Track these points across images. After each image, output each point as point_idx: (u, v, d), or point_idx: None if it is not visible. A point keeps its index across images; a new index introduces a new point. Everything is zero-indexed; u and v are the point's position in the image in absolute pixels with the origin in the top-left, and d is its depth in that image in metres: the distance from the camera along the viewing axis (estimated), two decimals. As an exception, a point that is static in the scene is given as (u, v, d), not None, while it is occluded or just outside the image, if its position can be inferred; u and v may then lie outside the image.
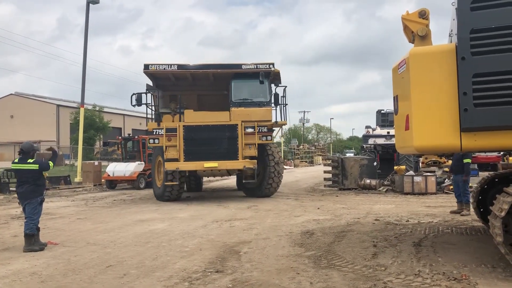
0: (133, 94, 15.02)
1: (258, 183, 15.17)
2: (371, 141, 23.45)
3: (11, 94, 64.42)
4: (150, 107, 15.39)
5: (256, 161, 14.42)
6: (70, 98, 63.29)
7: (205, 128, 14.35)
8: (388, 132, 22.45)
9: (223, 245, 7.38)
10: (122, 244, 7.67)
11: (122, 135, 29.93)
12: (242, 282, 5.17)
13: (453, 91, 5.49)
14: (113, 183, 21.04)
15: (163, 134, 14.26)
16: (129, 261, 6.39)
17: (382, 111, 26.98)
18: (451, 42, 6.21)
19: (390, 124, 25.08)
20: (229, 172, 15.75)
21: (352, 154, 31.31)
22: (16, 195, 17.46)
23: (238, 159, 14.29)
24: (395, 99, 6.51)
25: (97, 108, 51.49)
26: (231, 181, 23.54)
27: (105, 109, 55.21)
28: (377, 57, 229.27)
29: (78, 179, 23.21)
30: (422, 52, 5.87)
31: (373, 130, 24.81)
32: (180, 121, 14.66)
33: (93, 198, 16.67)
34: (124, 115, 67.44)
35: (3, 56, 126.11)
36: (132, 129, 61.96)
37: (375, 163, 18.77)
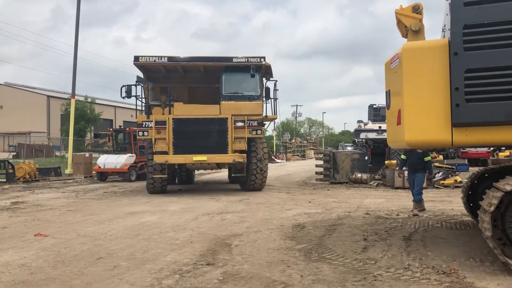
0: (123, 86, 14.89)
1: (246, 178, 15.18)
2: (362, 135, 23.53)
3: (1, 84, 63.65)
4: (140, 99, 15.25)
5: (245, 155, 14.41)
6: (62, 89, 62.67)
7: (195, 121, 14.28)
8: (380, 127, 22.54)
9: (214, 238, 7.38)
10: (113, 236, 7.63)
11: (113, 127, 29.74)
12: (233, 275, 5.18)
13: (445, 86, 5.51)
14: (104, 175, 20.94)
15: (152, 127, 14.17)
16: (120, 253, 6.37)
17: (374, 106, 27.06)
18: (444, 37, 6.22)
19: (382, 119, 25.19)
20: (218, 166, 15.70)
21: (351, 149, 31.40)
22: (5, 187, 17.30)
23: (227, 153, 14.25)
24: (388, 93, 6.52)
25: (89, 100, 51.08)
26: (223, 174, 23.53)
27: (97, 101, 54.78)
28: (370, 52, 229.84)
29: (68, 170, 23.08)
30: (415, 47, 5.88)
31: (365, 124, 24.89)
32: (169, 113, 14.53)
33: (84, 190, 16.58)
34: (115, 107, 67.01)
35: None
36: (124, 121, 61.57)
37: (366, 158, 18.84)
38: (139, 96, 15.11)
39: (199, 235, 7.69)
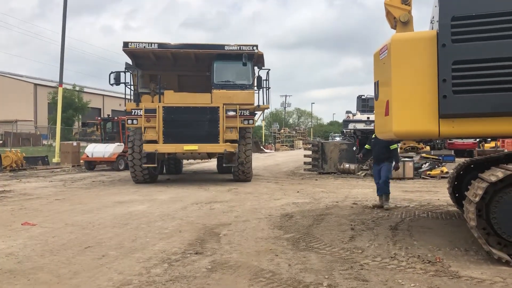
0: (112, 72, 14.59)
1: (236, 168, 15.01)
2: (351, 126, 23.64)
3: (-14, 72, 62.56)
4: (129, 86, 14.96)
5: (237, 145, 14.28)
6: (50, 77, 61.93)
7: (186, 109, 14.10)
8: (368, 118, 22.65)
9: (203, 227, 7.40)
10: (101, 225, 7.62)
11: (102, 116, 29.48)
12: (221, 264, 5.21)
13: (433, 77, 5.55)
14: (92, 164, 20.81)
15: (141, 115, 13.95)
16: (108, 242, 6.36)
17: (362, 97, 27.19)
18: (432, 29, 6.26)
19: (370, 110, 25.30)
20: (209, 155, 15.55)
21: (339, 139, 31.60)
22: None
23: (219, 142, 14.12)
24: (376, 84, 6.55)
25: (77, 88, 50.50)
26: (212, 164, 23.51)
27: (85, 89, 54.19)
28: (359, 43, 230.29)
29: (56, 159, 22.90)
30: (403, 38, 5.91)
31: (353, 115, 25.00)
32: (159, 102, 14.33)
33: (72, 179, 16.47)
34: (103, 95, 66.33)
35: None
36: (112, 110, 60.99)
37: (354, 148, 18.95)
38: (128, 83, 14.81)
39: (188, 224, 7.71)
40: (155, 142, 13.99)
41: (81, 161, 21.81)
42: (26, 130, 45.34)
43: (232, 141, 14.29)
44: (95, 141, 28.55)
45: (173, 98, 14.33)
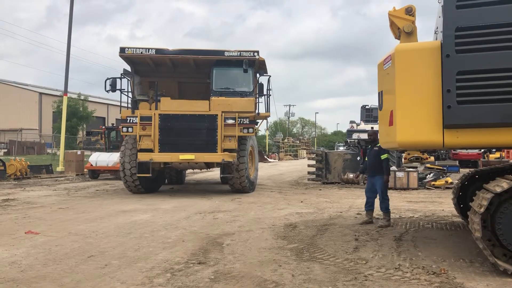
0: (108, 78, 14.17)
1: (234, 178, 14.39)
2: (355, 136, 23.62)
3: (-8, 80, 63.06)
4: (126, 93, 14.53)
5: (235, 154, 13.79)
6: (55, 86, 62.36)
7: (183, 117, 13.62)
8: (372, 127, 22.62)
9: (206, 237, 7.37)
10: (104, 234, 7.61)
11: (106, 125, 29.61)
12: (225, 274, 5.18)
13: (437, 88, 5.55)
14: (95, 173, 20.84)
15: (137, 123, 13.52)
16: (111, 251, 6.35)
17: (366, 107, 27.22)
18: (436, 39, 6.27)
19: (374, 120, 25.32)
20: (207, 165, 14.84)
21: (343, 149, 31.54)
22: (-4, 184, 17.07)
23: (216, 152, 13.57)
24: (380, 94, 6.56)
25: (82, 97, 50.77)
26: (215, 173, 23.49)
27: (90, 98, 54.44)
28: (362, 53, 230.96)
29: (60, 168, 22.95)
30: (407, 49, 5.92)
31: (357, 125, 25.01)
32: (156, 109, 13.87)
33: (75, 187, 16.49)
34: (108, 104, 66.66)
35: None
36: (116, 119, 61.18)
37: (358, 158, 18.91)
38: (124, 90, 14.43)
39: (191, 234, 7.69)
40: (150, 151, 13.52)
41: (85, 170, 21.84)
42: (30, 138, 45.57)
43: (231, 150, 13.76)
44: (99, 150, 28.59)
45: (170, 106, 13.82)
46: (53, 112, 52.35)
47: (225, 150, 13.68)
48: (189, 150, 13.45)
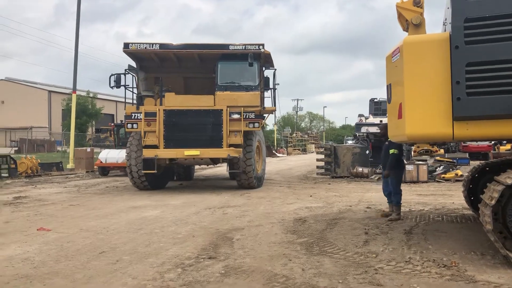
0: (112, 74, 14.19)
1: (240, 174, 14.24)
2: (363, 129, 23.49)
3: (2, 79, 63.67)
4: (131, 89, 14.49)
5: (241, 149, 13.63)
6: (64, 84, 62.87)
7: (187, 112, 13.50)
8: (381, 121, 22.46)
9: (216, 232, 7.41)
10: (115, 230, 7.67)
11: (115, 122, 29.76)
12: (235, 269, 5.21)
13: (446, 80, 5.51)
14: (105, 170, 20.97)
15: (141, 119, 13.48)
16: (122, 247, 6.40)
17: (375, 100, 27.02)
18: (445, 31, 6.22)
19: (383, 113, 25.12)
20: (213, 161, 14.75)
21: (352, 142, 31.41)
22: (8, 182, 17.34)
23: (222, 147, 13.45)
24: (388, 87, 6.52)
25: (91, 95, 51.09)
26: (224, 168, 23.52)
27: (98, 96, 54.78)
28: (370, 46, 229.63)
29: (70, 165, 23.14)
30: (416, 41, 5.87)
31: (366, 118, 24.84)
32: (161, 105, 13.80)
33: (86, 184, 16.62)
34: (116, 101, 66.97)
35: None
36: (125, 115, 61.50)
37: (367, 152, 18.84)
38: (128, 86, 14.38)
39: (201, 229, 7.72)
40: (155, 147, 13.48)
41: (95, 167, 22.00)
42: (40, 136, 45.97)
43: (237, 146, 13.62)
44: (109, 147, 28.80)
45: (174, 101, 13.68)
46: (62, 110, 52.82)
47: (230, 146, 13.55)
48: (194, 145, 13.36)
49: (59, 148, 39.89)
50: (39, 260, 5.74)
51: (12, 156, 20.92)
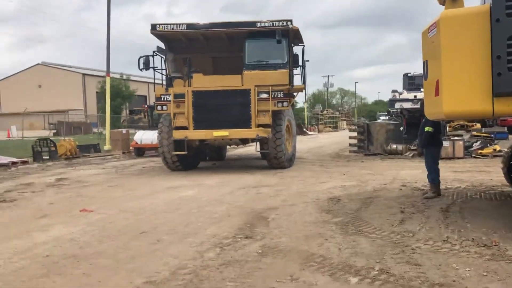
0: (141, 57, 14.29)
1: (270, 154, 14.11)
2: (397, 105, 23.03)
3: (38, 64, 65.46)
4: (160, 71, 14.58)
5: (270, 129, 13.49)
6: (96, 67, 64.20)
7: (215, 93, 13.47)
8: (415, 96, 21.99)
9: (251, 211, 7.52)
10: (153, 210, 7.90)
11: (148, 103, 30.29)
12: (272, 248, 5.30)
13: (486, 55, 5.33)
14: (141, 151, 21.44)
15: (170, 100, 13.55)
16: (161, 227, 6.60)
17: (409, 74, 26.36)
18: (484, 3, 5.98)
19: (417, 88, 24.54)
20: (242, 141, 14.78)
21: (386, 118, 30.83)
22: (49, 164, 17.98)
23: (250, 127, 13.38)
24: (425, 64, 6.37)
25: (124, 77, 51.96)
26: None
27: (131, 77, 55.64)
28: (403, 19, 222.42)
29: (107, 147, 23.78)
30: (453, 15, 5.69)
31: (400, 94, 24.32)
32: (189, 86, 13.72)
33: (123, 165, 17.08)
34: (148, 83, 67.63)
35: (30, 27, 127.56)
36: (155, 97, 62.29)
37: (401, 128, 18.54)
38: (157, 67, 14.47)
39: (236, 208, 7.86)
40: (185, 128, 13.57)
41: (131, 148, 22.53)
42: (77, 119, 47.26)
43: (265, 126, 13.47)
44: (142, 128, 29.35)
45: (202, 82, 13.62)
46: (96, 92, 53.95)
47: (259, 126, 13.44)
48: (223, 126, 13.36)
49: (95, 130, 40.96)
50: (84, 240, 5.99)
51: (52, 139, 21.64)
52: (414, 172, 12.32)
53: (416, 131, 19.47)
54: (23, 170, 15.69)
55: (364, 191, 9.36)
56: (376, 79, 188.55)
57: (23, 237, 6.22)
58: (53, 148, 19.73)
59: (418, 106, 20.71)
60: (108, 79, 24.98)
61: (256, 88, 13.41)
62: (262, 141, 13.83)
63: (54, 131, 39.92)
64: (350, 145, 19.59)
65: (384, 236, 5.68)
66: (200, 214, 7.46)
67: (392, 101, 23.83)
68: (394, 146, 17.44)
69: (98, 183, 11.97)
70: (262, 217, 7.09)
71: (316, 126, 58.64)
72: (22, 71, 65.93)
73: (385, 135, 18.06)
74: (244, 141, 14.86)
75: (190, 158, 14.70)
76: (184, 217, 7.25)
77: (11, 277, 4.62)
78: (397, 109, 23.02)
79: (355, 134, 19.15)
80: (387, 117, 30.13)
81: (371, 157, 17.19)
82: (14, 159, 17.95)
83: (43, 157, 19.01)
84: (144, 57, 14.37)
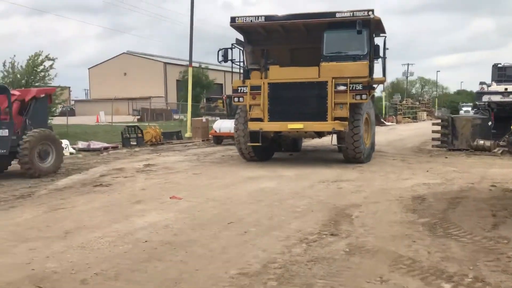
0: (220, 49, 14.65)
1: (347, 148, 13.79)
2: (485, 98, 21.71)
3: (124, 53, 69.31)
4: (237, 63, 14.82)
5: (347, 123, 13.18)
6: (176, 56, 66.81)
7: (292, 85, 13.45)
8: (506, 89, 20.61)
9: (334, 207, 7.57)
10: (238, 201, 8.21)
11: (224, 92, 31.06)
12: (359, 247, 5.35)
13: None
14: (219, 139, 22.19)
15: (247, 92, 13.72)
16: (247, 218, 6.87)
17: (498, 65, 24.74)
18: None
19: (508, 79, 22.99)
20: (318, 134, 14.67)
21: (469, 109, 29.16)
22: (136, 150, 19.11)
23: (326, 120, 13.14)
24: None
25: (203, 66, 53.61)
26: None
27: (209, 67, 57.23)
28: (490, 2, 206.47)
29: (188, 134, 24.91)
30: None
31: (488, 86, 22.89)
32: (265, 78, 13.72)
33: (203, 153, 17.78)
34: (224, 71, 69.12)
35: (116, 17, 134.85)
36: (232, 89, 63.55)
37: (489, 123, 17.50)
38: (235, 60, 14.73)
39: (318, 203, 7.95)
40: (260, 120, 13.67)
41: (210, 135, 23.35)
42: (158, 106, 49.54)
43: (342, 119, 13.18)
44: (219, 115, 30.20)
45: (279, 74, 13.58)
46: (177, 80, 56.14)
47: (336, 119, 13.18)
48: (298, 119, 13.31)
49: (175, 117, 42.75)
50: (177, 227, 6.40)
51: (139, 126, 23.00)
52: (504, 171, 11.66)
53: (505, 126, 18.38)
54: (114, 155, 16.89)
55: (450, 190, 9.04)
56: (459, 67, 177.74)
57: (122, 222, 6.78)
58: (140, 135, 21.01)
59: (509, 99, 19.45)
60: (190, 70, 25.97)
61: (333, 80, 13.17)
62: (339, 135, 13.71)
63: (138, 117, 42.19)
64: (433, 139, 18.80)
65: (476, 241, 5.50)
66: (282, 207, 7.64)
67: (480, 94, 22.48)
68: (481, 141, 16.51)
69: (183, 170, 12.60)
70: (345, 214, 7.12)
71: (394, 117, 56.73)
72: (109, 59, 70.22)
73: (471, 130, 17.14)
74: (320, 134, 14.77)
75: (265, 149, 14.85)
76: (267, 209, 7.48)
77: (117, 259, 5.09)
78: (484, 102, 21.74)
79: (438, 128, 18.35)
80: (473, 110, 28.50)
81: (456, 153, 16.42)
82: (106, 144, 19.40)
83: (131, 143, 20.30)
84: (223, 50, 14.76)
